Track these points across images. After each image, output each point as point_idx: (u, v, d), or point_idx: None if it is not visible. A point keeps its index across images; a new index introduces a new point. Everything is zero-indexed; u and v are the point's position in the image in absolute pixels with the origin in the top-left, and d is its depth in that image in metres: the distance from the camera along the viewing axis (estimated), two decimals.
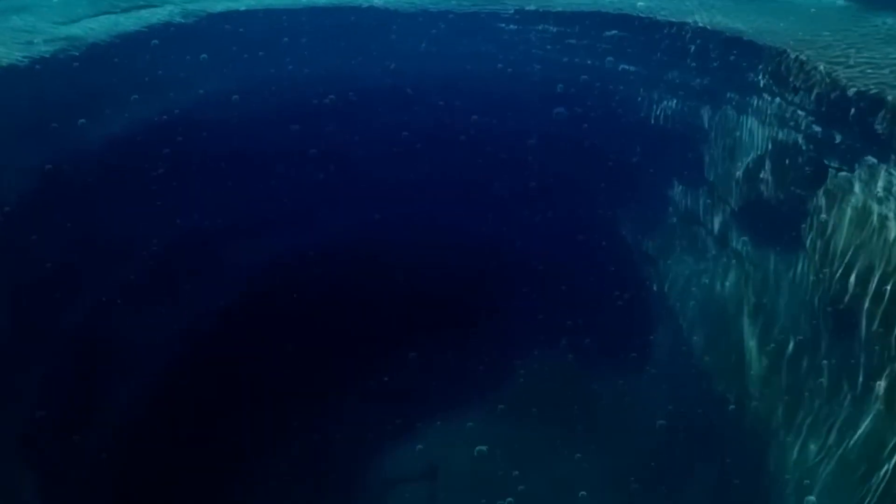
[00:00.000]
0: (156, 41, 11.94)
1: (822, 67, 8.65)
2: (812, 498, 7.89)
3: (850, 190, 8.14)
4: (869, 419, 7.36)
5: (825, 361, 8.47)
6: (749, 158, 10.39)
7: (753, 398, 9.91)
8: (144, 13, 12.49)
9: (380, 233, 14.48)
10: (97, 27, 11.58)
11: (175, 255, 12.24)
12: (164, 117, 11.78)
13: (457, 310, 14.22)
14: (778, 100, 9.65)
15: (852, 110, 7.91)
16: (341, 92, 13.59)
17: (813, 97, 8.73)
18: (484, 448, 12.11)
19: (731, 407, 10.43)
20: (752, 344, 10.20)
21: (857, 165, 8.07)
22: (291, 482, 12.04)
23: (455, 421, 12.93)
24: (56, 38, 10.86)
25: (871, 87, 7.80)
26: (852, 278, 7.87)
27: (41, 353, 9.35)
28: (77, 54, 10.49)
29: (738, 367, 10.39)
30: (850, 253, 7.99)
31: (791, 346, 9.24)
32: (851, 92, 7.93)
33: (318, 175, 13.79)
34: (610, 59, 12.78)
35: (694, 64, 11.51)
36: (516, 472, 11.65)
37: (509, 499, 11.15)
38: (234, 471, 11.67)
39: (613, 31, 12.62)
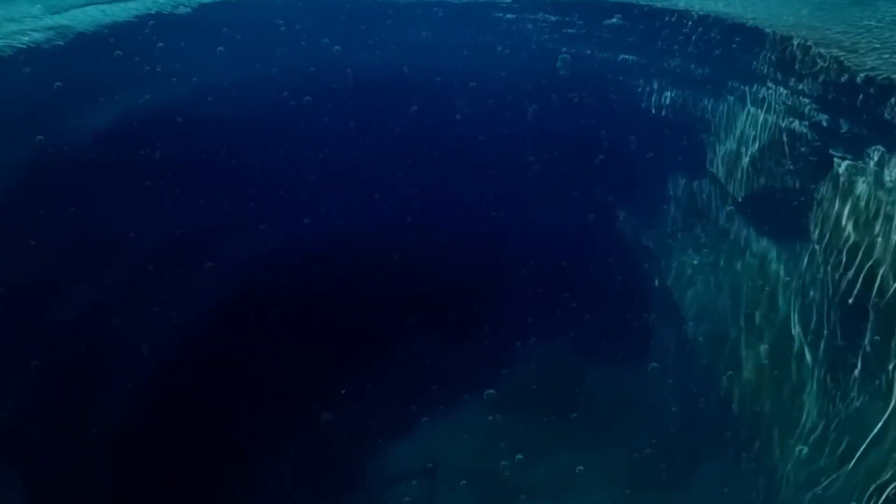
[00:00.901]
0: (147, 31, 11.72)
1: (828, 53, 8.37)
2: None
3: (857, 179, 7.88)
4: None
5: (829, 355, 8.24)
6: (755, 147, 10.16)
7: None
8: (135, 4, 12.25)
9: (378, 224, 14.28)
10: (86, 18, 11.33)
11: (168, 250, 12.06)
12: (155, 109, 11.56)
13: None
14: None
15: (860, 97, 7.63)
16: (337, 83, 13.38)
17: (819, 84, 8.46)
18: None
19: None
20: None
21: (864, 154, 7.81)
22: (291, 479, 12.01)
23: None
24: (46, 27, 10.63)
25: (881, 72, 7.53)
26: (860, 270, 7.63)
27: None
28: (63, 44, 10.25)
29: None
30: (858, 245, 7.74)
31: (796, 338, 9.02)
32: (860, 78, 7.66)
33: (312, 166, 13.57)
34: None
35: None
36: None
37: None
38: (231, 469, 11.55)
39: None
